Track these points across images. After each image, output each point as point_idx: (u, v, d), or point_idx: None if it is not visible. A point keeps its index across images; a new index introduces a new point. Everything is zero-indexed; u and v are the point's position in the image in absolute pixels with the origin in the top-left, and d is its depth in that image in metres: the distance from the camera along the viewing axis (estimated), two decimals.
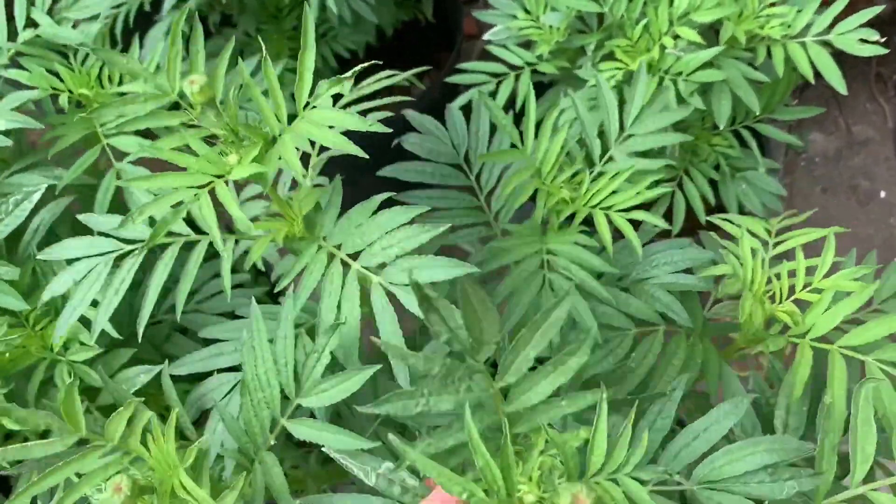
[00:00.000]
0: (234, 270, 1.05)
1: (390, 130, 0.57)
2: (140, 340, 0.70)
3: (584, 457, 0.52)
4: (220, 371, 0.76)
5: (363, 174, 0.86)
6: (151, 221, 0.73)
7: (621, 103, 0.92)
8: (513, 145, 0.89)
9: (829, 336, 0.71)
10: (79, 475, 0.61)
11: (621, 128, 0.90)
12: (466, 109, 1.13)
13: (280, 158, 0.58)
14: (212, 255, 0.95)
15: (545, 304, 0.60)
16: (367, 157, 0.55)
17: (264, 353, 0.67)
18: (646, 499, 0.50)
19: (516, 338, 0.49)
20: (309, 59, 0.59)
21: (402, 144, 0.95)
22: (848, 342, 0.68)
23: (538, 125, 0.87)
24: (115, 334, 0.77)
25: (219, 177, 0.60)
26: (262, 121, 0.61)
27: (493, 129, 0.97)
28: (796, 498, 0.62)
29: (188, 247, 0.73)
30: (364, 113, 0.68)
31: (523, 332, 0.50)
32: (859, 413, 0.55)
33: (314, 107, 0.59)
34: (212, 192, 0.60)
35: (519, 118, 0.92)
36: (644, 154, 0.91)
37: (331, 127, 0.57)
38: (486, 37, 1.17)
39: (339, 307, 0.64)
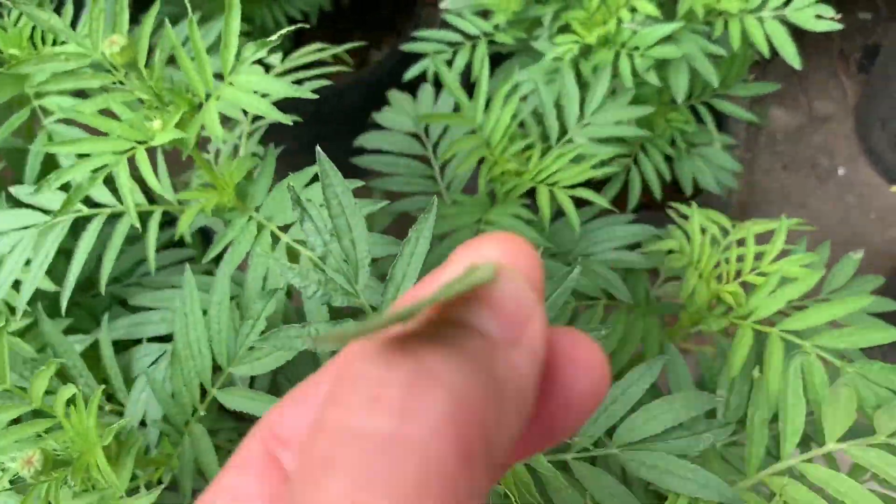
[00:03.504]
0: (180, 243, 1.02)
1: (316, 97, 0.54)
2: (63, 314, 0.67)
3: None
4: (148, 340, 0.74)
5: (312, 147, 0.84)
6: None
7: (582, 86, 0.90)
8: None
9: (772, 319, 0.71)
10: None
11: (581, 115, 0.88)
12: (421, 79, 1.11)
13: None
14: (162, 224, 0.93)
15: None
16: (291, 123, 0.53)
17: (196, 321, 0.65)
18: (542, 461, 0.49)
19: (391, 269, 0.47)
20: (234, 21, 0.55)
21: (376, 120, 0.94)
22: (788, 326, 0.69)
23: (489, 97, 0.85)
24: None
25: (141, 143, 0.57)
26: (189, 86, 0.58)
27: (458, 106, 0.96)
28: (731, 474, 0.62)
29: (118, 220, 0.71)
30: (299, 82, 0.65)
31: (400, 262, 0.48)
32: (789, 387, 0.56)
33: (240, 72, 0.56)
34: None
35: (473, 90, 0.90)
36: (603, 140, 0.90)
37: (258, 93, 0.55)
38: (442, 5, 1.14)
39: (265, 279, 0.62)
